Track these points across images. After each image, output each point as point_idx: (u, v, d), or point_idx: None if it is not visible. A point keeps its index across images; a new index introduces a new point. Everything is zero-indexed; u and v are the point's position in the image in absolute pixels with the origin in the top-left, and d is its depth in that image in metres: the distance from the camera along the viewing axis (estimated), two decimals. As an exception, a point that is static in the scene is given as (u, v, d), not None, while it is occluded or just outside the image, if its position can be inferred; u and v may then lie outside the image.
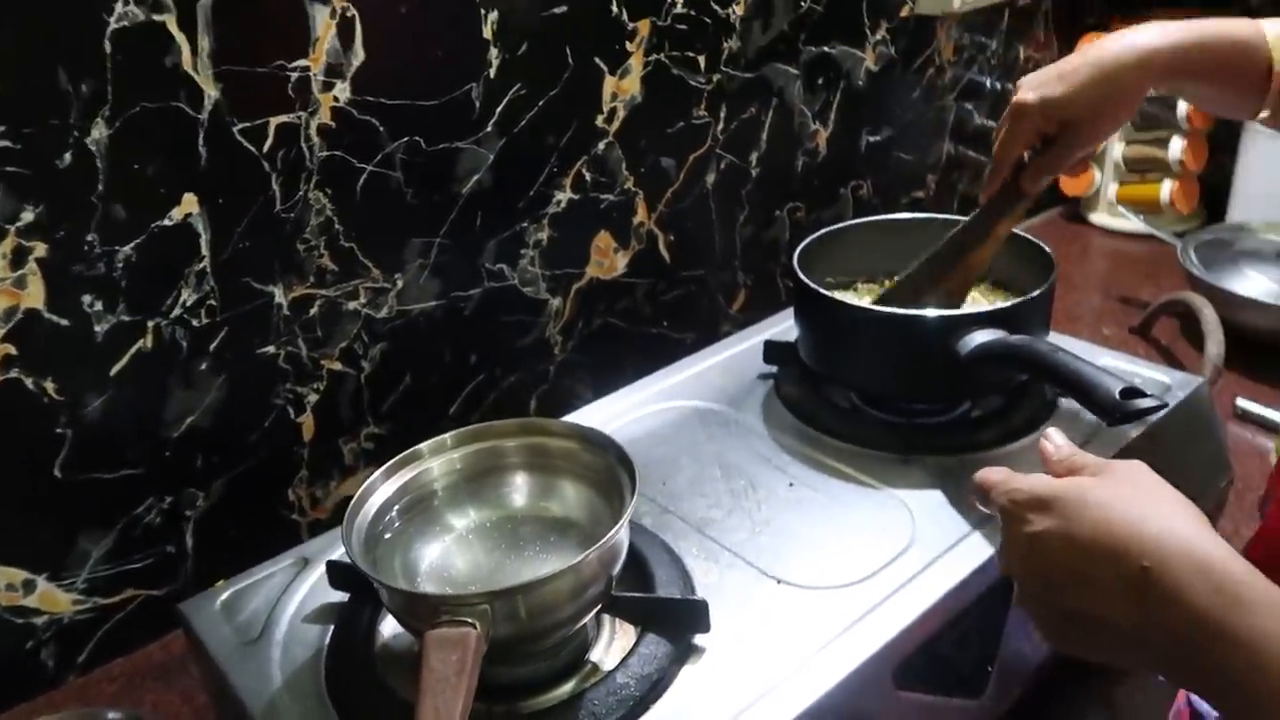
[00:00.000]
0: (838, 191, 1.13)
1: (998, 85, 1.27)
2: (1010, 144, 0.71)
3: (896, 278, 0.81)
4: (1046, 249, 0.78)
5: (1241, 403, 0.95)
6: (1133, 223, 1.30)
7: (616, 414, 0.80)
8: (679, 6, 0.90)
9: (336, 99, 0.74)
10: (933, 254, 0.78)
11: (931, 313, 0.71)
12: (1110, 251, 1.33)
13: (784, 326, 0.90)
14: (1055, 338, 0.84)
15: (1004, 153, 0.71)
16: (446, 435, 0.60)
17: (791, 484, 0.69)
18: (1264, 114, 0.68)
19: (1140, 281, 1.23)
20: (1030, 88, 0.69)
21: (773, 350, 0.83)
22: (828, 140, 1.09)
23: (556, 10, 0.83)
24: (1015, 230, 0.79)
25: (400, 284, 0.81)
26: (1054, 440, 0.54)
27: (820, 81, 1.05)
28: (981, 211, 0.75)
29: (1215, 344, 0.92)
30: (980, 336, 0.68)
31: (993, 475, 0.52)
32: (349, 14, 0.72)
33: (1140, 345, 1.09)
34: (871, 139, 1.14)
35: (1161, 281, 1.19)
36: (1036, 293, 0.71)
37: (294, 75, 0.71)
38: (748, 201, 1.04)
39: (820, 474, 0.70)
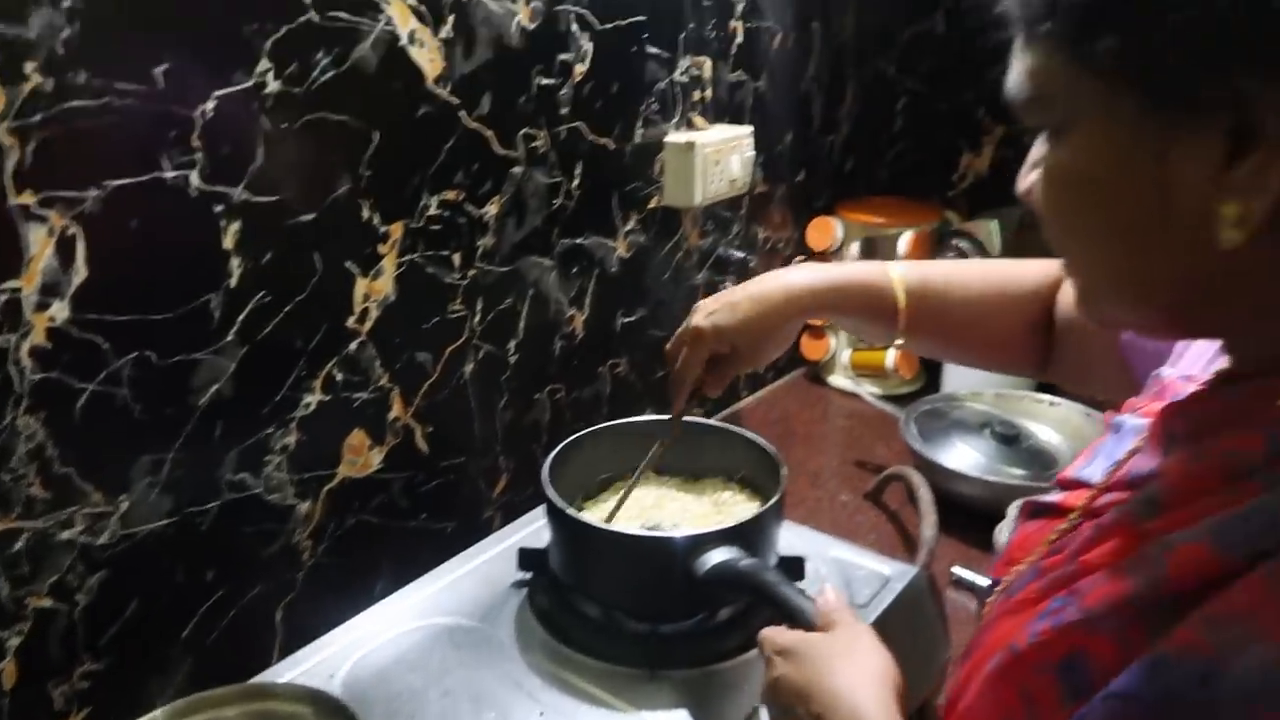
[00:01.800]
0: (596, 371, 1.17)
1: (742, 255, 1.37)
2: (690, 364, 0.82)
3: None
4: (778, 459, 0.84)
5: (956, 570, 1.05)
6: (868, 388, 1.43)
7: (367, 637, 0.77)
8: (433, 209, 0.92)
9: (53, 319, 0.69)
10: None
11: (669, 534, 0.74)
12: (848, 413, 1.45)
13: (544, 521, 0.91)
14: (790, 529, 0.90)
15: (685, 371, 0.82)
16: (158, 711, 0.56)
17: (542, 713, 0.69)
18: (899, 341, 0.79)
19: (875, 443, 1.34)
20: (705, 315, 0.81)
21: (526, 558, 0.84)
22: (584, 324, 1.13)
23: (304, 218, 0.82)
24: (753, 437, 0.86)
25: (125, 506, 0.75)
26: (826, 595, 0.65)
27: (574, 270, 1.10)
28: (674, 417, 0.85)
29: (929, 526, 1.01)
30: (716, 556, 0.72)
31: (766, 630, 0.64)
32: (69, 232, 0.69)
33: (872, 511, 1.19)
34: (626, 320, 1.19)
35: (892, 443, 1.31)
36: (764, 508, 0.76)
37: (1, 298, 0.66)
38: (507, 388, 1.05)
39: (571, 699, 0.71)
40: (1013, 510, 0.93)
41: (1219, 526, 0.41)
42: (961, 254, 1.35)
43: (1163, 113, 0.40)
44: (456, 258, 0.96)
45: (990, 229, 1.35)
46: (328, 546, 0.91)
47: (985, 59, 1.36)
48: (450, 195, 0.93)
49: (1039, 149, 0.49)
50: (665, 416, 0.85)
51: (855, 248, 1.42)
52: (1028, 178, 0.50)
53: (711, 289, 1.33)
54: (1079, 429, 1.24)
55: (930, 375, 1.47)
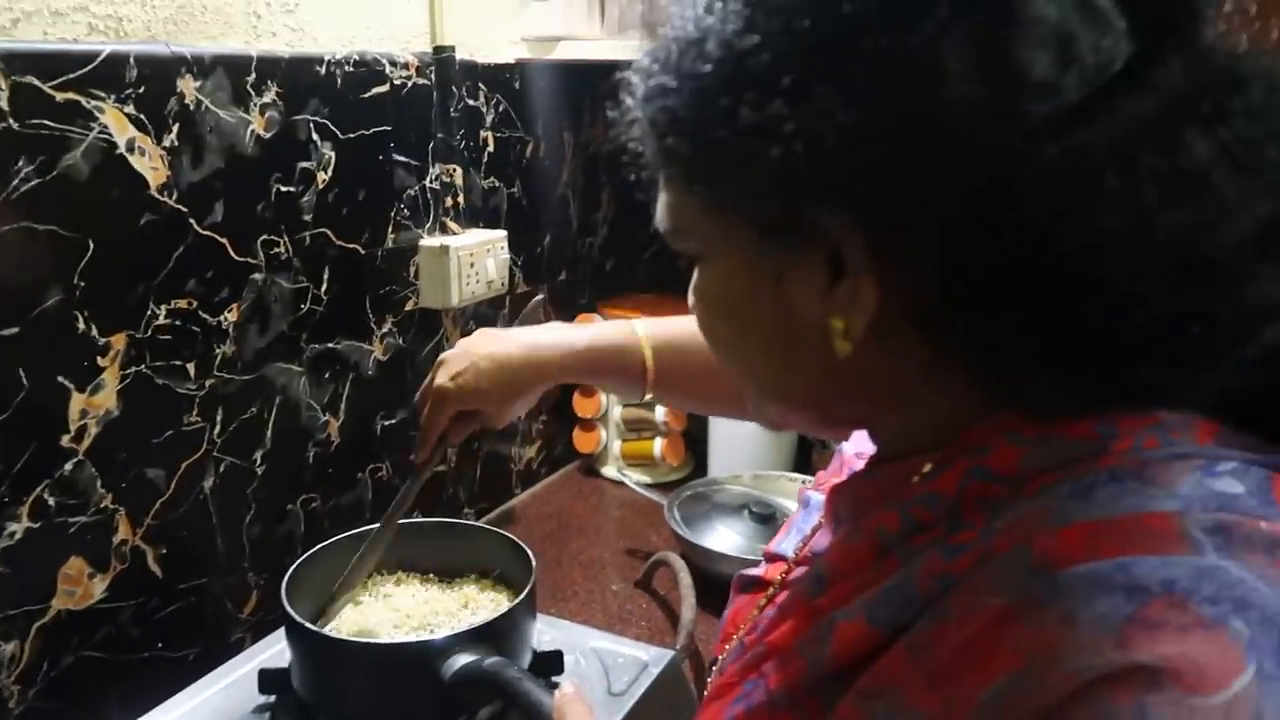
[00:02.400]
0: (356, 477, 1.14)
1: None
2: (435, 423, 0.84)
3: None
4: (529, 554, 0.85)
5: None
6: (637, 476, 1.47)
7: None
8: (161, 318, 0.89)
9: None
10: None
11: (409, 640, 0.73)
12: (620, 502, 1.48)
13: (288, 641, 0.87)
14: (551, 623, 0.90)
15: (431, 431, 0.84)
16: None
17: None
18: (648, 396, 0.83)
19: (646, 531, 1.37)
20: (450, 375, 0.82)
21: (266, 679, 0.79)
22: (340, 429, 1.11)
23: (4, 333, 0.77)
24: (503, 533, 0.86)
25: None
26: (563, 689, 0.66)
27: (327, 375, 1.08)
28: (418, 469, 0.86)
29: (688, 609, 1.05)
30: (463, 658, 0.71)
31: None
32: None
33: (643, 598, 1.21)
34: (387, 422, 1.18)
35: (661, 530, 1.34)
36: (511, 605, 0.77)
37: None
38: (254, 499, 1.01)
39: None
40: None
41: (868, 603, 0.43)
42: (715, 345, 1.43)
43: (772, 243, 0.45)
44: (192, 367, 0.92)
45: (742, 321, 1.44)
46: (41, 689, 0.83)
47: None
48: (182, 304, 0.90)
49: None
50: (462, 521, 0.84)
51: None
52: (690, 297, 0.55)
53: (477, 388, 1.33)
54: (829, 504, 1.32)
55: (697, 461, 1.53)
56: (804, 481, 1.37)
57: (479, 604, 0.87)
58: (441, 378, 0.81)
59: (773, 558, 0.62)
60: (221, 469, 0.97)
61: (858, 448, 0.62)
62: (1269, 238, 0.38)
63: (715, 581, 1.17)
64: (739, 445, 1.45)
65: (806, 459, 1.47)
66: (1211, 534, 0.35)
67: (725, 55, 0.41)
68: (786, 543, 0.62)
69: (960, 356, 0.44)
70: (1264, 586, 0.33)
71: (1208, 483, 0.37)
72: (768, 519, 1.25)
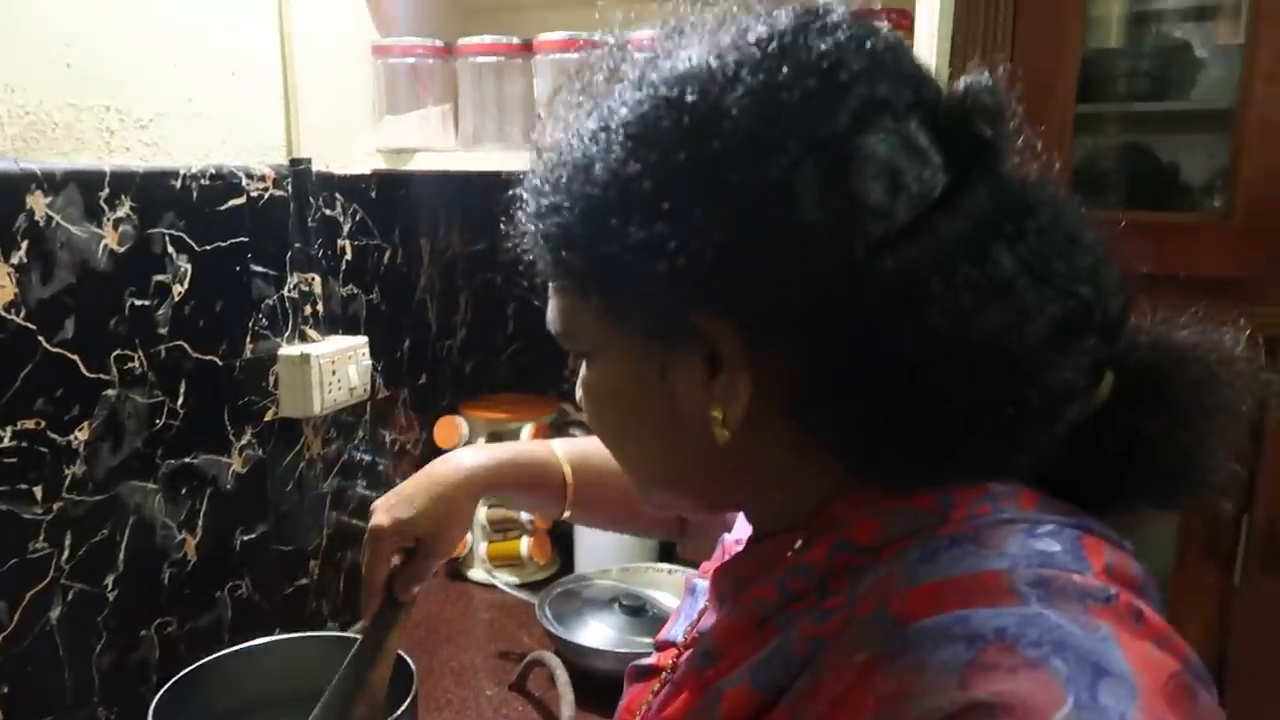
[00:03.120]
0: (214, 596, 1.10)
1: (370, 459, 1.38)
2: (376, 566, 0.79)
3: None
4: (408, 661, 0.84)
5: (598, 744, 1.08)
6: (505, 577, 1.47)
7: None
8: (6, 440, 0.84)
9: None
10: (335, 688, 0.79)
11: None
12: (489, 605, 1.46)
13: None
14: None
15: (373, 575, 0.79)
16: None
17: None
18: (567, 513, 0.85)
19: (517, 632, 1.36)
20: (383, 511, 0.80)
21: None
22: (197, 547, 1.06)
23: None
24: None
25: None
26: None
27: (184, 491, 1.05)
28: (370, 630, 0.80)
29: (567, 706, 1.05)
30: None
31: None
32: None
33: (518, 701, 1.20)
34: (246, 537, 1.14)
35: (533, 630, 1.34)
36: (391, 718, 0.76)
37: None
38: (105, 628, 0.95)
39: None
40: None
41: (751, 669, 0.47)
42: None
43: (657, 343, 0.49)
44: (39, 490, 0.88)
45: (602, 416, 1.48)
46: None
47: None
48: (29, 424, 0.86)
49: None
50: (325, 634, 0.81)
51: (482, 442, 1.48)
52: (578, 391, 0.58)
53: (340, 495, 1.31)
54: (696, 590, 1.36)
55: (565, 558, 1.54)
56: (670, 571, 1.40)
57: None
58: (375, 518, 0.80)
59: (663, 645, 0.65)
60: (70, 597, 0.91)
61: (738, 534, 0.66)
62: (1060, 334, 0.45)
63: (592, 678, 1.17)
64: (605, 540, 1.47)
65: (671, 550, 1.50)
66: (1034, 587, 0.40)
67: (611, 180, 0.46)
68: (675, 629, 0.65)
69: (820, 439, 0.49)
70: (1078, 630, 0.38)
71: (1030, 543, 0.43)
72: (639, 611, 1.27)
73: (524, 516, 1.48)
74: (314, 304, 1.21)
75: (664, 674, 0.61)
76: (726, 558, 0.61)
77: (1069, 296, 0.45)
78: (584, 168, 0.48)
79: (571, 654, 1.21)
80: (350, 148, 1.29)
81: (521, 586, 1.45)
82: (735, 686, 0.47)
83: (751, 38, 0.46)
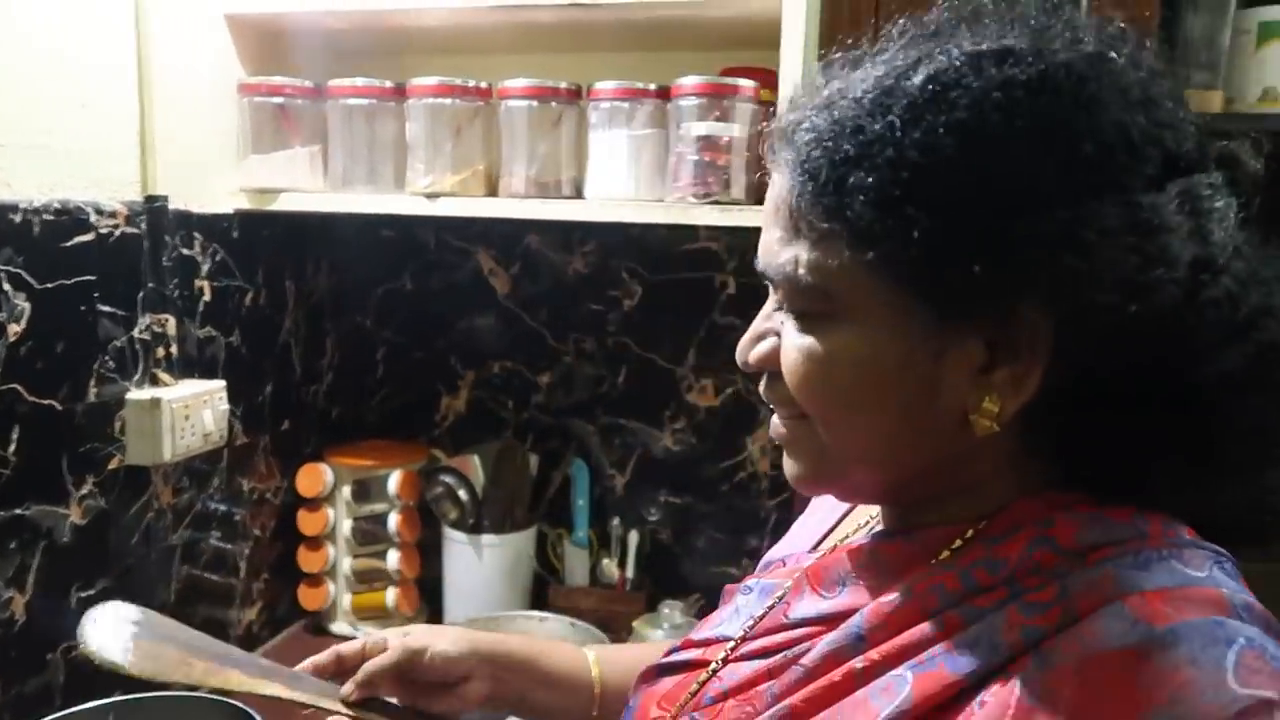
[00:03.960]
0: (45, 659, 1.02)
1: (226, 508, 1.31)
2: (378, 660, 0.71)
3: None
4: (250, 713, 0.80)
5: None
6: (370, 630, 1.42)
7: None
8: None
9: None
10: None
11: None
12: (353, 659, 1.41)
13: None
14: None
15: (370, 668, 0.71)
16: None
17: None
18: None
19: (380, 686, 1.32)
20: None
21: None
22: (26, 606, 0.99)
23: None
24: (225, 700, 0.80)
25: None
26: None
27: (13, 546, 0.97)
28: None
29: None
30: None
31: None
32: None
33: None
34: (84, 594, 1.07)
35: (398, 684, 1.29)
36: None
37: None
38: (-84, 697, 0.87)
39: None
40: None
41: (948, 654, 0.48)
42: (448, 488, 1.44)
43: (946, 323, 0.48)
44: None
45: (474, 462, 1.46)
46: None
47: (452, 314, 1.49)
48: None
49: (767, 322, 0.56)
50: (170, 693, 0.75)
51: (347, 490, 1.44)
52: (755, 349, 0.56)
53: (192, 548, 1.24)
54: (566, 638, 1.34)
55: (432, 607, 1.50)
56: (541, 619, 1.38)
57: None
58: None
59: (700, 643, 0.64)
60: (-126, 664, 0.83)
61: (783, 553, 0.69)
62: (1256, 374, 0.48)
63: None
64: (475, 587, 1.45)
65: (543, 596, 1.49)
66: (1244, 609, 0.46)
67: (964, 149, 0.45)
68: (721, 628, 0.64)
69: (1036, 443, 0.51)
70: (1273, 648, 0.44)
71: (1216, 568, 0.48)
72: (508, 659, 1.25)
73: (390, 564, 1.44)
74: (167, 346, 1.16)
75: (713, 665, 0.60)
76: (794, 565, 0.63)
77: None
78: (913, 118, 0.46)
79: (438, 708, 1.17)
80: (212, 186, 1.24)
81: (387, 639, 1.40)
82: (927, 671, 0.48)
83: (1122, 48, 0.49)
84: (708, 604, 1.47)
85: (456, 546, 1.45)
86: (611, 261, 1.46)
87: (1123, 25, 0.51)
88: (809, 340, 0.51)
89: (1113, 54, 0.48)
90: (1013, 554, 0.49)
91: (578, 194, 1.21)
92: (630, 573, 1.47)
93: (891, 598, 0.51)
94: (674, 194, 1.14)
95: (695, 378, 1.45)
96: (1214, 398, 0.48)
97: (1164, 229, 0.45)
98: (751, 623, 0.61)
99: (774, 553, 0.71)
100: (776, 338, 0.54)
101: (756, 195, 1.14)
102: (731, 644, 0.61)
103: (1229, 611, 0.45)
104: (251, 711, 0.81)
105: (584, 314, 1.48)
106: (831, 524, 0.70)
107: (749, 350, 0.56)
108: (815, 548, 0.68)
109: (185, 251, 1.19)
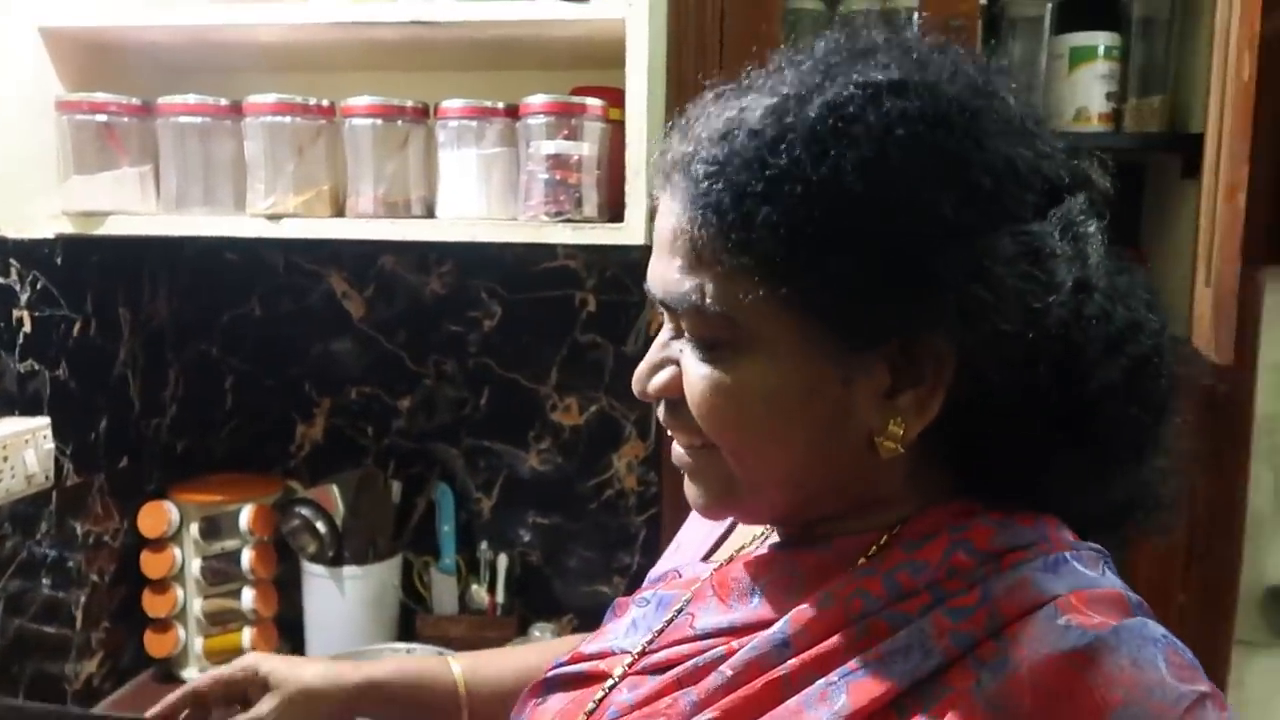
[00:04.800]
0: None
1: (57, 554, 1.22)
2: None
3: None
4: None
5: None
6: (222, 673, 1.34)
7: None
8: None
9: None
10: None
11: None
12: (205, 706, 1.33)
13: None
14: None
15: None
16: None
17: None
18: None
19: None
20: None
21: None
22: None
23: None
24: None
25: None
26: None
27: None
28: None
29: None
30: None
31: None
32: None
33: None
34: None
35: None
36: None
37: None
38: None
39: None
40: None
41: (880, 662, 0.48)
42: (305, 520, 1.38)
43: (854, 353, 0.49)
44: None
45: (333, 492, 1.41)
46: None
47: (304, 339, 1.44)
48: None
49: (664, 351, 0.55)
50: None
51: (195, 528, 1.36)
52: (653, 378, 0.55)
53: (20, 598, 1.15)
54: (435, 668, 1.31)
55: (293, 644, 1.44)
56: (409, 650, 1.34)
57: None
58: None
59: (594, 656, 0.62)
60: None
61: (679, 563, 0.68)
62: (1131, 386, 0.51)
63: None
64: (338, 621, 1.39)
65: (411, 628, 1.44)
66: (1139, 607, 0.49)
67: (861, 174, 0.46)
68: (617, 641, 0.62)
69: (940, 459, 0.53)
70: (1178, 643, 0.48)
71: (1106, 568, 0.52)
72: (371, 695, 1.20)
73: (245, 604, 1.37)
74: (-19, 383, 1.07)
75: (610, 680, 0.59)
76: (691, 577, 0.62)
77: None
78: (818, 153, 0.46)
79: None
80: (29, 210, 1.16)
81: (243, 683, 1.33)
82: (861, 678, 0.48)
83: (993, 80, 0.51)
84: (581, 624, 1.46)
85: (316, 580, 1.39)
86: (469, 281, 1.44)
87: (990, 59, 0.54)
88: (714, 372, 0.51)
89: (994, 88, 0.50)
90: (933, 558, 0.51)
91: (429, 214, 1.18)
92: (500, 597, 1.45)
93: (814, 605, 0.52)
94: (526, 213, 1.13)
95: (559, 397, 1.44)
96: (1097, 407, 0.50)
97: (1052, 255, 0.48)
98: (651, 636, 0.59)
99: (662, 565, 0.70)
100: (675, 366, 0.54)
101: (610, 213, 1.14)
102: (630, 657, 0.59)
103: (1130, 609, 0.49)
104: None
105: (443, 335, 1.45)
106: (720, 534, 0.70)
107: (647, 380, 0.56)
108: (707, 558, 0.68)
109: (1, 280, 1.11)
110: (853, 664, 0.49)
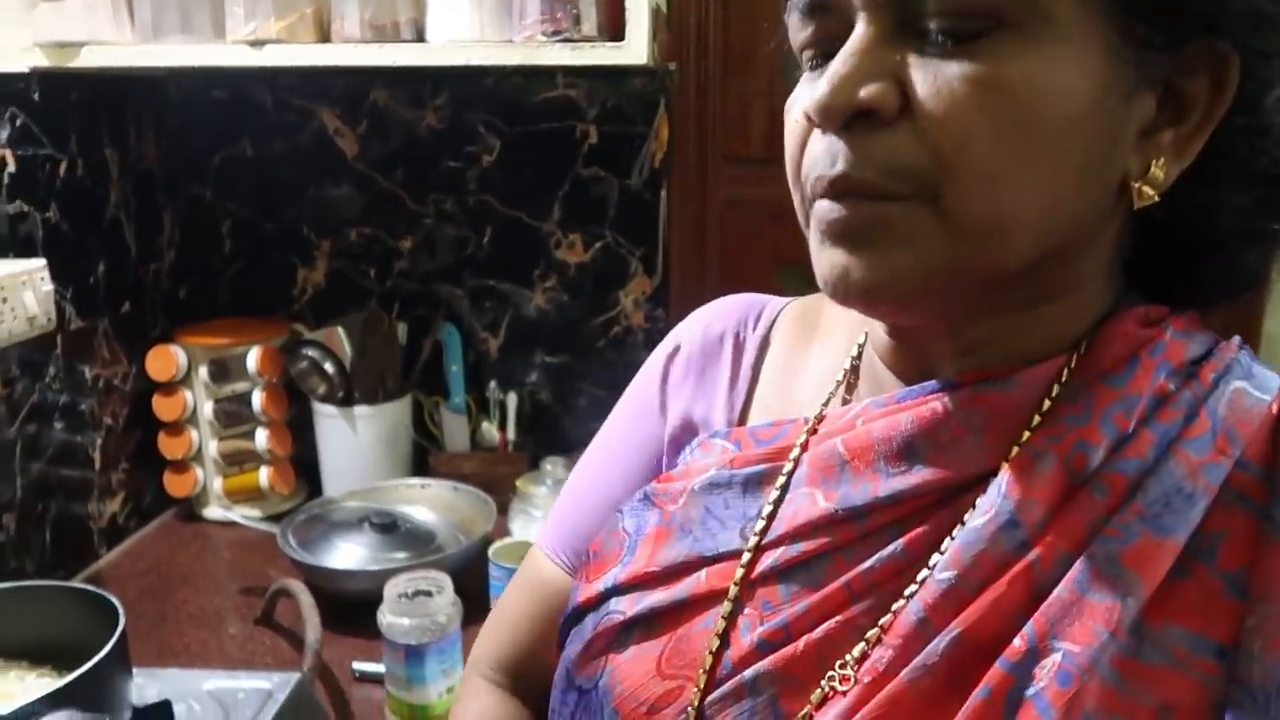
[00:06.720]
0: (-125, 567, 0.95)
1: (68, 398, 1.23)
2: None
3: None
4: (111, 600, 0.76)
5: (357, 665, 1.05)
6: (246, 511, 1.37)
7: None
8: None
9: None
10: None
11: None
12: (230, 543, 1.37)
13: None
14: (156, 675, 0.82)
15: None
16: None
17: None
18: None
19: (261, 568, 1.29)
20: None
21: None
22: None
23: None
24: (76, 586, 0.76)
25: None
26: None
27: None
28: None
29: (313, 629, 1.00)
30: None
31: None
32: None
33: (266, 634, 1.14)
34: (-87, 497, 0.99)
35: (279, 563, 1.27)
36: (95, 660, 0.69)
37: None
38: None
39: None
40: (392, 590, 0.97)
41: (1145, 520, 0.41)
42: (313, 362, 1.38)
43: (1146, 56, 0.41)
44: None
45: (339, 335, 1.41)
46: None
47: (300, 181, 1.40)
48: None
49: (870, 61, 0.41)
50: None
51: (204, 371, 1.37)
52: (870, 86, 0.41)
53: (35, 440, 1.17)
54: (450, 503, 1.34)
55: (311, 484, 1.47)
56: (423, 486, 1.36)
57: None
58: None
59: (671, 573, 0.50)
60: None
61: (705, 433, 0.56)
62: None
63: (344, 600, 1.13)
64: (352, 460, 1.42)
65: (424, 463, 1.47)
66: None
67: None
68: (703, 542, 0.50)
69: (1138, 238, 0.46)
70: None
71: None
72: (389, 528, 1.23)
73: (259, 444, 1.39)
74: (-30, 224, 1.05)
75: (730, 591, 0.47)
76: (763, 440, 0.52)
77: None
78: None
79: (321, 579, 1.16)
80: (1, 41, 1.11)
81: (267, 519, 1.36)
82: (1135, 546, 0.41)
83: None
84: (591, 458, 1.48)
85: (328, 421, 1.41)
86: (466, 115, 1.38)
87: None
88: (979, 66, 0.39)
89: None
90: (1143, 388, 0.44)
91: (419, 37, 1.12)
92: (511, 434, 1.47)
93: (1025, 466, 0.43)
94: (522, 33, 1.07)
95: (563, 233, 1.42)
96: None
97: None
98: (761, 523, 0.48)
99: (665, 422, 0.59)
100: (893, 80, 0.41)
101: (610, 32, 1.08)
102: (742, 562, 0.47)
103: None
104: (104, 593, 0.77)
105: (442, 173, 1.41)
106: (746, 391, 0.58)
107: (855, 89, 0.41)
108: (743, 420, 0.57)
109: (-22, 117, 1.07)
110: (1111, 530, 0.41)
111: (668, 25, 1.26)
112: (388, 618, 0.95)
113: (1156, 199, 0.43)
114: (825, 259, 0.44)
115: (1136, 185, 0.42)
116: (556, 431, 1.49)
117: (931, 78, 0.40)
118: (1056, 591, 0.41)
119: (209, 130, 1.42)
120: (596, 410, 1.47)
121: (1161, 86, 0.42)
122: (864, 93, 0.41)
